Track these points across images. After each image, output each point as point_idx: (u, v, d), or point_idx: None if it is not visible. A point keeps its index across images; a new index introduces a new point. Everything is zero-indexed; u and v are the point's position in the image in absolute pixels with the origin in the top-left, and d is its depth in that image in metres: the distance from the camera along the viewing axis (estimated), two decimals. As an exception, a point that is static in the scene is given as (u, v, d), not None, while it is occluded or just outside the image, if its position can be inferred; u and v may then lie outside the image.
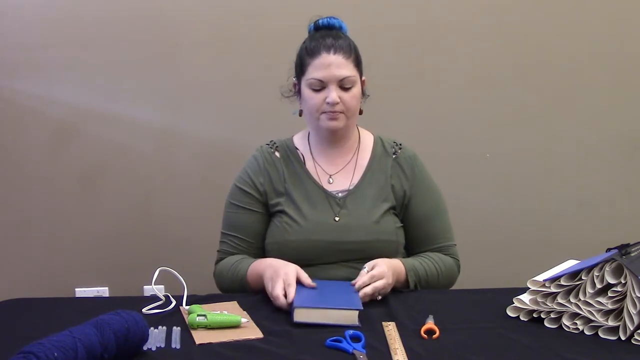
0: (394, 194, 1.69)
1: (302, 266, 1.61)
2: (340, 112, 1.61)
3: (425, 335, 1.26)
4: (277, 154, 1.73)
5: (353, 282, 1.48)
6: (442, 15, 2.46)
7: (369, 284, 1.45)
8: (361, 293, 1.43)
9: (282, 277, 1.44)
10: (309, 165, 1.71)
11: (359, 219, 1.64)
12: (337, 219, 1.65)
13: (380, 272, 1.48)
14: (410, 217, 1.70)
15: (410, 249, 1.72)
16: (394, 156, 1.72)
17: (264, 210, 1.69)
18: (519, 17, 2.49)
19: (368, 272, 1.49)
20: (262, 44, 2.40)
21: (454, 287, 1.70)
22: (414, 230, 1.70)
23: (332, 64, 1.59)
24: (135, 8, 2.37)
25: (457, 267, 1.72)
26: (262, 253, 1.70)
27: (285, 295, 1.40)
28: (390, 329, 1.30)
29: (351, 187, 1.69)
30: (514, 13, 2.48)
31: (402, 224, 1.70)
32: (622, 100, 2.55)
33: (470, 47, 2.48)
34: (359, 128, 1.77)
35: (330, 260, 1.62)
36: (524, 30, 2.49)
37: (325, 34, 1.65)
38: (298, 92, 1.69)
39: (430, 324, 1.29)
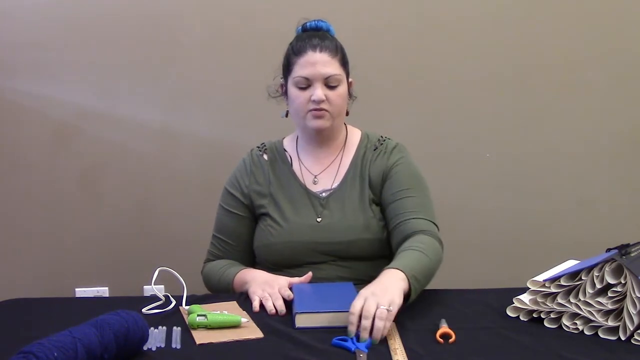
0: (371, 181, 1.66)
1: (288, 267, 1.62)
2: (326, 111, 1.61)
3: (442, 340, 1.25)
4: (265, 156, 1.73)
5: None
6: (443, 14, 2.46)
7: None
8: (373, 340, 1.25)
9: (270, 290, 1.47)
10: (295, 166, 1.72)
11: (342, 218, 1.64)
12: (319, 219, 1.64)
13: (358, 306, 1.27)
14: (386, 193, 1.64)
15: (389, 225, 1.63)
16: (375, 150, 1.70)
17: (248, 214, 1.70)
18: (519, 18, 2.49)
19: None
20: (263, 44, 2.40)
21: (454, 288, 1.69)
22: (389, 206, 1.62)
23: (317, 62, 1.59)
24: (136, 8, 2.37)
25: (439, 242, 1.56)
26: (248, 256, 1.72)
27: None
28: (391, 329, 1.29)
29: (334, 186, 1.68)
30: (514, 13, 2.49)
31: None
32: (622, 100, 2.55)
33: (471, 47, 2.48)
34: (347, 126, 1.76)
35: (316, 261, 1.62)
36: (524, 31, 2.49)
37: (312, 35, 1.66)
38: (285, 93, 1.70)
39: (445, 327, 1.28)
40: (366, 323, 1.24)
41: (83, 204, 2.47)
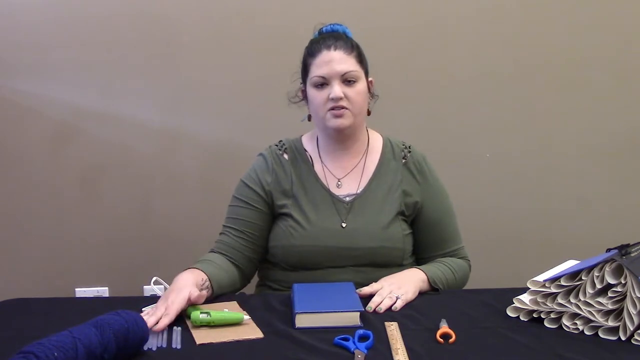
0: (405, 199, 1.67)
1: (308, 270, 1.62)
2: (346, 109, 1.59)
3: (442, 340, 1.25)
4: (285, 155, 1.72)
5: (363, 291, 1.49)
6: (442, 15, 2.46)
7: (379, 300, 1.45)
8: (377, 309, 1.42)
9: (165, 304, 1.35)
10: (317, 168, 1.70)
11: (366, 224, 1.63)
12: (343, 225, 1.64)
13: (376, 287, 1.50)
14: (422, 222, 1.70)
15: (421, 253, 1.72)
16: (403, 160, 1.71)
17: (266, 210, 1.68)
18: (519, 18, 2.49)
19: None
20: (263, 44, 2.40)
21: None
22: (426, 235, 1.70)
23: (333, 60, 1.59)
24: (136, 8, 2.37)
25: (469, 266, 1.74)
26: (261, 250, 1.70)
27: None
28: (393, 329, 1.30)
29: (359, 191, 1.67)
30: (514, 14, 2.49)
31: (410, 230, 1.69)
32: (622, 100, 2.55)
33: (470, 47, 2.49)
34: (369, 130, 1.75)
35: (337, 265, 1.61)
36: (525, 31, 2.49)
37: (326, 36, 1.65)
38: (305, 98, 1.68)
39: (445, 327, 1.28)
40: (377, 299, 1.44)
41: (83, 204, 2.47)
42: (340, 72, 1.58)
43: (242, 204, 1.69)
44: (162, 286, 1.52)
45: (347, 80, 1.59)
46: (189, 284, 1.41)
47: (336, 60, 1.58)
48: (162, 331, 1.28)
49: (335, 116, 1.60)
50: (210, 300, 1.47)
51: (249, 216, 1.68)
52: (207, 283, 1.49)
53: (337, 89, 1.57)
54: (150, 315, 1.31)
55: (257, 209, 1.68)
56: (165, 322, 1.30)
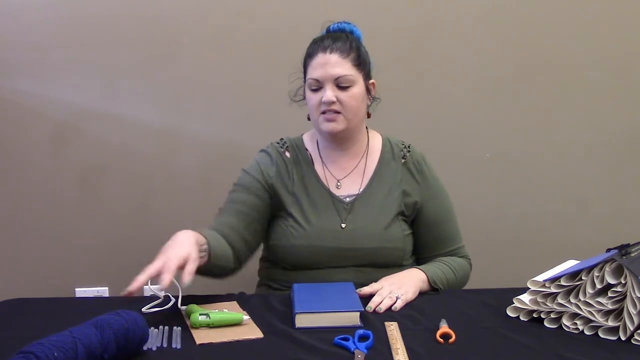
0: (405, 199, 1.67)
1: (308, 269, 1.61)
2: (338, 113, 1.59)
3: (442, 340, 1.25)
4: (287, 154, 1.71)
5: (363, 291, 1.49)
6: (442, 16, 2.46)
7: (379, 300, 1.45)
8: (377, 309, 1.42)
9: (163, 259, 1.34)
10: (318, 168, 1.70)
11: (366, 225, 1.63)
12: (343, 225, 1.64)
13: (376, 287, 1.49)
14: (422, 222, 1.70)
15: (421, 253, 1.72)
16: (402, 160, 1.71)
17: (267, 198, 1.66)
18: (518, 18, 2.49)
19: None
20: (263, 44, 2.40)
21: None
22: (426, 234, 1.70)
23: (327, 63, 1.58)
24: (136, 8, 2.37)
25: (470, 265, 1.74)
26: (257, 236, 1.67)
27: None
28: (393, 329, 1.30)
29: (359, 192, 1.67)
30: (513, 14, 2.48)
31: (410, 231, 1.69)
32: (622, 100, 2.55)
33: (470, 48, 2.48)
34: (369, 130, 1.75)
35: (337, 265, 1.62)
36: (525, 31, 2.49)
37: (325, 37, 1.65)
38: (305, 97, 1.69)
39: (445, 327, 1.28)
40: (376, 299, 1.43)
41: (83, 204, 2.47)
42: (333, 75, 1.58)
43: (242, 189, 1.67)
44: (158, 286, 1.52)
45: (341, 84, 1.58)
46: (191, 241, 1.39)
47: (331, 64, 1.58)
48: (161, 330, 1.28)
49: (327, 120, 1.60)
50: (212, 299, 1.47)
51: (248, 201, 1.65)
52: (206, 247, 1.46)
53: (329, 93, 1.57)
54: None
55: (257, 195, 1.66)
56: (168, 277, 1.29)
